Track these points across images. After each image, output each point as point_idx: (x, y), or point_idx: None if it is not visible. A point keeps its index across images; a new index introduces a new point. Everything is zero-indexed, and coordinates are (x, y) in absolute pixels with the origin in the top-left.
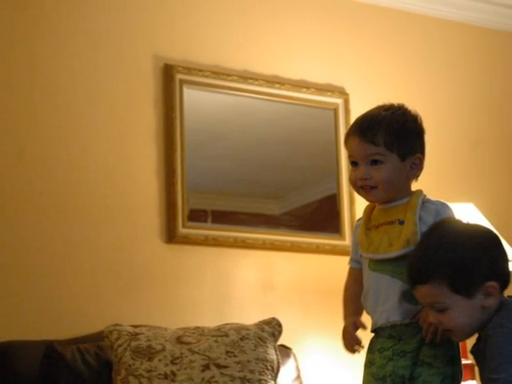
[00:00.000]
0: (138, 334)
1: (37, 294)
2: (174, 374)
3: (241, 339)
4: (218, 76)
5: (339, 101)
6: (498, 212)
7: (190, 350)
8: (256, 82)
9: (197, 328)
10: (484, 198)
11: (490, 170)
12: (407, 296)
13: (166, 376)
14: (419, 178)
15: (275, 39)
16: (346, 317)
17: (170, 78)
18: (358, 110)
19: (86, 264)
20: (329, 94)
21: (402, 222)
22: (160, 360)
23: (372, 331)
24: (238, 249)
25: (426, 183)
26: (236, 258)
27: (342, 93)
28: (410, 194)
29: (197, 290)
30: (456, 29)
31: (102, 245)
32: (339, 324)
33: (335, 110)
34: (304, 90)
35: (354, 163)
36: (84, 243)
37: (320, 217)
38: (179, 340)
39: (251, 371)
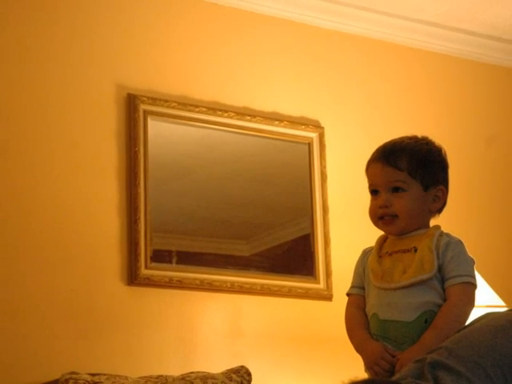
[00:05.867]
0: (96, 382)
1: None
2: None
3: None
4: (184, 107)
5: (314, 135)
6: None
7: None
8: (225, 114)
9: (160, 377)
10: None
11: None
12: None
13: None
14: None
15: (246, 69)
16: (364, 340)
17: (133, 109)
18: (333, 145)
19: (40, 307)
20: (303, 127)
21: (417, 250)
22: None
23: None
24: (205, 292)
25: None
26: (202, 302)
27: (316, 126)
28: (428, 227)
29: (160, 335)
30: (434, 58)
31: (57, 286)
32: (313, 373)
33: (309, 145)
34: (276, 122)
35: (374, 191)
36: (38, 285)
37: (293, 258)
38: None
39: None
